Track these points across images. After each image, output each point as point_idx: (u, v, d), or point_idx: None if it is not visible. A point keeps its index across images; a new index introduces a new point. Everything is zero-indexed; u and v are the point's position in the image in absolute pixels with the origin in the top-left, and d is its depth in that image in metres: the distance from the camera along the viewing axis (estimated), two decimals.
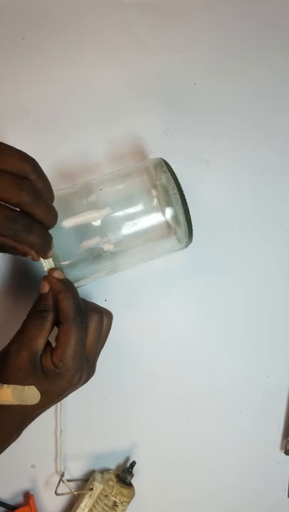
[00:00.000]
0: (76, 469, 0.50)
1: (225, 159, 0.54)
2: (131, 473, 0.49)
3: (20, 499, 0.50)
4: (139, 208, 0.42)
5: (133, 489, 0.48)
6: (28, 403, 0.39)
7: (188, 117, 0.54)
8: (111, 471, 0.49)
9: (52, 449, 0.50)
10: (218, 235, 0.53)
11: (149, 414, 0.51)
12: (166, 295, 0.52)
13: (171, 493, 0.51)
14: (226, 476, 0.52)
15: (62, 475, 0.49)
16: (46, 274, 0.40)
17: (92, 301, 0.43)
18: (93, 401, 0.50)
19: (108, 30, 0.54)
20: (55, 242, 0.39)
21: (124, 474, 0.48)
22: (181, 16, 0.55)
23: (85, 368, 0.40)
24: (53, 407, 0.42)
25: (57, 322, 0.40)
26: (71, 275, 0.41)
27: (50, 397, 0.39)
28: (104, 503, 0.47)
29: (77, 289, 0.41)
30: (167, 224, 0.43)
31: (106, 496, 0.47)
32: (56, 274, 0.40)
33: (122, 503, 0.47)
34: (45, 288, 0.40)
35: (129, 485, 0.48)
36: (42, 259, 0.40)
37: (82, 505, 0.47)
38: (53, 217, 0.37)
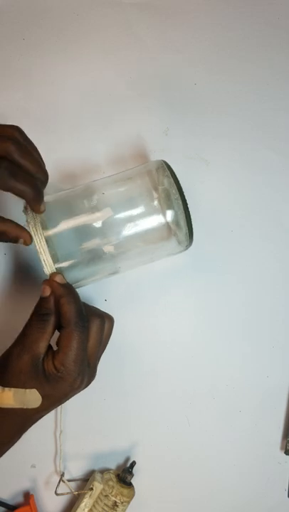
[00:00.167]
0: (76, 469, 0.50)
1: (225, 159, 0.54)
2: (131, 473, 0.49)
3: (20, 499, 0.50)
4: (140, 210, 0.42)
5: (133, 489, 0.48)
6: (30, 406, 0.38)
7: (188, 117, 0.54)
8: (111, 471, 0.49)
9: (52, 448, 0.50)
10: (218, 235, 0.53)
11: (149, 414, 0.51)
12: (166, 295, 0.51)
13: (171, 493, 0.51)
14: (226, 476, 0.52)
15: (63, 475, 0.49)
16: (47, 276, 0.40)
17: (94, 305, 0.43)
18: (93, 401, 0.50)
19: (108, 30, 0.54)
20: (55, 242, 0.38)
21: (124, 474, 0.48)
22: (181, 16, 0.55)
23: (86, 371, 0.40)
24: None
25: (58, 326, 0.40)
26: (71, 276, 0.41)
27: (52, 401, 0.39)
28: (105, 503, 0.47)
29: (77, 289, 0.41)
30: (168, 226, 0.43)
31: (106, 495, 0.47)
32: (58, 279, 0.40)
33: (122, 503, 0.47)
34: (47, 292, 0.39)
35: (129, 485, 0.48)
36: (42, 261, 0.39)
37: (82, 505, 0.47)
38: (40, 166, 0.38)
